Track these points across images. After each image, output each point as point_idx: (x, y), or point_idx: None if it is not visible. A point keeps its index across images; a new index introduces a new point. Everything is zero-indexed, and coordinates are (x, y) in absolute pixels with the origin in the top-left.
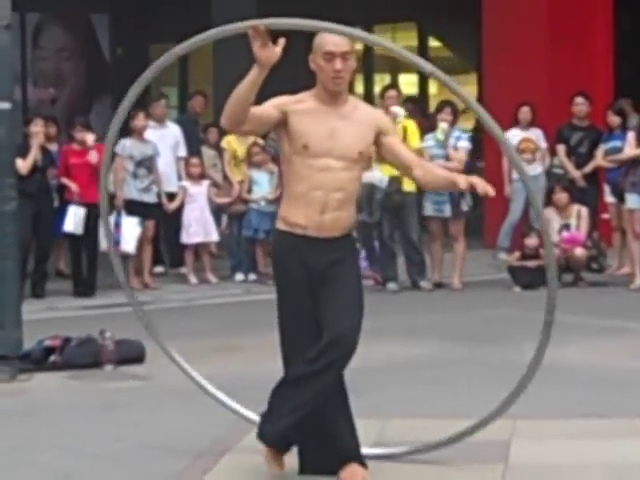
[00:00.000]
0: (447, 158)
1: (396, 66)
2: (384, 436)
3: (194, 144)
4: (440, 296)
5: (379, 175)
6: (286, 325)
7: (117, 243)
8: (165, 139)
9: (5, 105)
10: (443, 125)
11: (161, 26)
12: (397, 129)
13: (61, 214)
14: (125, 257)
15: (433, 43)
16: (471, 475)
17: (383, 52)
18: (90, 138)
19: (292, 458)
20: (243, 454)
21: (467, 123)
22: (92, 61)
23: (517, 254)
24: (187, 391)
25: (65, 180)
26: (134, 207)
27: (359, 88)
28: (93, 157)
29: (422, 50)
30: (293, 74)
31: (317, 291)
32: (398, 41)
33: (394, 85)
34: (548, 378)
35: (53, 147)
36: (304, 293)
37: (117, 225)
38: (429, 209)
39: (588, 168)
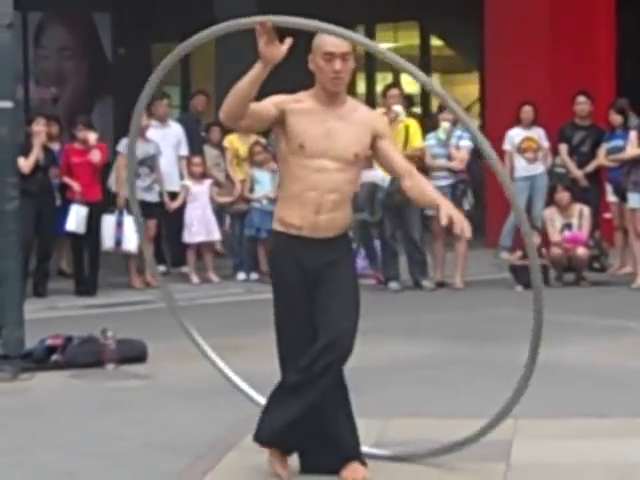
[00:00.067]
0: (449, 157)
1: None
2: (385, 436)
3: (196, 143)
4: (442, 295)
5: (381, 174)
6: (282, 325)
7: (119, 242)
8: (167, 138)
9: (7, 104)
10: (445, 124)
11: (163, 25)
12: (398, 128)
13: (63, 213)
14: (127, 256)
15: (435, 42)
16: (472, 474)
17: None
18: (92, 137)
19: (293, 457)
20: (245, 453)
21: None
22: (94, 60)
23: (519, 253)
24: (188, 390)
25: (67, 179)
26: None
27: (361, 87)
28: (95, 156)
29: (424, 49)
30: (292, 73)
31: (313, 292)
32: (400, 40)
33: (396, 84)
34: (549, 378)
35: (55, 146)
36: (300, 294)
37: (119, 224)
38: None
39: (590, 167)
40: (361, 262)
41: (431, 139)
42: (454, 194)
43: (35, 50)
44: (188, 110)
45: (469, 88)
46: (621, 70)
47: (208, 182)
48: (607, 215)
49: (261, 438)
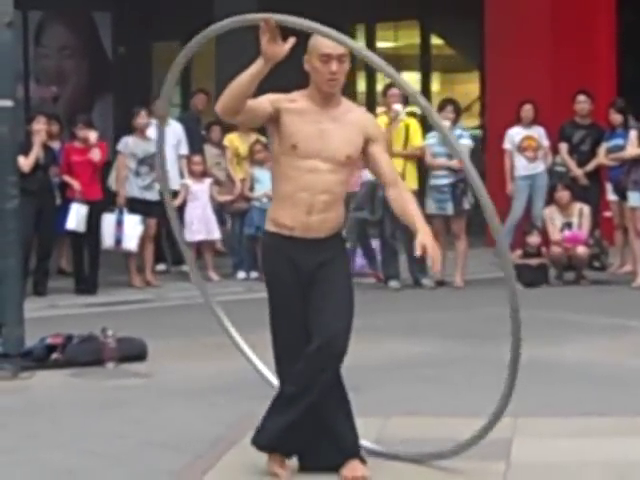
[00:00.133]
0: (449, 156)
1: (399, 64)
2: (385, 434)
3: (196, 142)
4: (442, 294)
5: None
6: (277, 325)
7: (119, 241)
8: (167, 137)
9: (7, 103)
10: (445, 123)
11: (163, 24)
12: (398, 127)
13: (63, 212)
14: (127, 255)
15: (435, 41)
16: (473, 473)
17: (386, 50)
18: (93, 136)
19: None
20: (245, 451)
21: (469, 122)
22: (94, 59)
23: (519, 252)
24: (188, 389)
25: (67, 178)
26: (136, 205)
27: (362, 86)
28: (95, 155)
29: (424, 48)
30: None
31: (307, 292)
32: (401, 39)
33: None
34: (549, 376)
35: (55, 145)
36: (294, 294)
37: (119, 223)
38: (431, 207)
39: (590, 166)
40: (360, 260)
41: (431, 138)
42: (454, 193)
43: (35, 49)
44: (188, 109)
45: (469, 87)
46: (621, 69)
47: (208, 181)
48: (607, 214)
49: (260, 443)
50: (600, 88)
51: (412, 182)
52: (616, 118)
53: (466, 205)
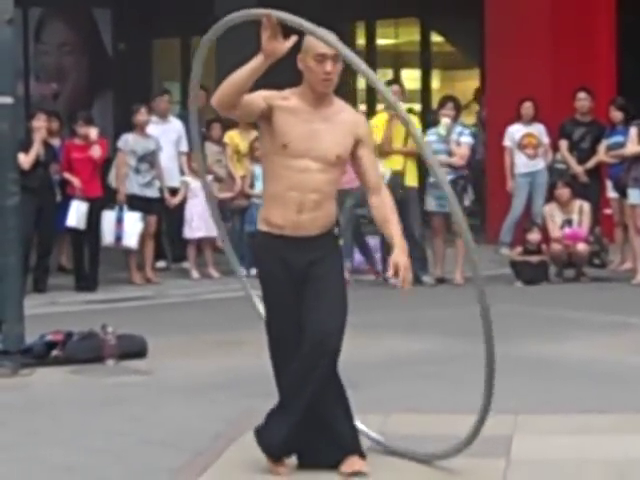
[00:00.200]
0: (449, 153)
1: (399, 61)
2: (385, 431)
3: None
4: (442, 291)
5: (381, 170)
6: (272, 324)
7: (119, 238)
8: (167, 134)
9: (7, 100)
10: (445, 120)
11: (163, 21)
12: (398, 124)
13: (63, 209)
14: (127, 252)
15: (436, 39)
16: (473, 470)
17: (386, 47)
18: (93, 133)
19: None
20: (245, 448)
21: (469, 118)
22: (94, 56)
23: (519, 249)
24: (189, 386)
25: (67, 175)
26: (136, 202)
27: (362, 83)
28: (96, 152)
29: (425, 46)
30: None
31: (301, 290)
32: (401, 37)
33: (397, 80)
34: (549, 373)
35: (55, 142)
36: (287, 292)
37: (119, 220)
38: (431, 204)
39: (590, 163)
40: (358, 257)
41: (431, 135)
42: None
43: (35, 46)
44: (188, 106)
45: (469, 85)
46: (621, 67)
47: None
48: (607, 211)
49: (274, 454)
50: (600, 85)
51: (412, 179)
52: (616, 115)
53: (466, 202)
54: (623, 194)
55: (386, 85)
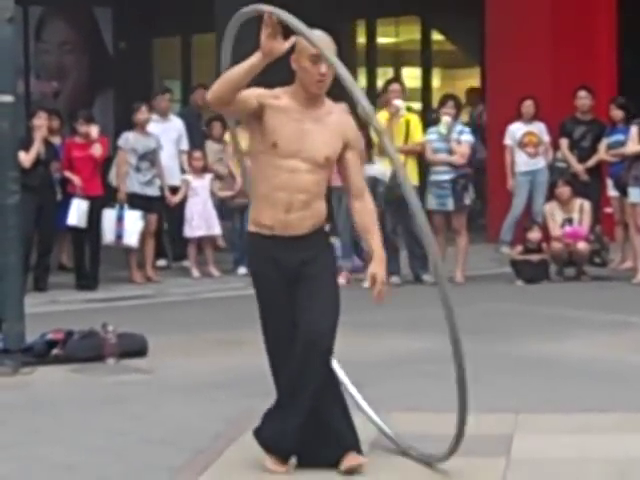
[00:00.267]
0: (450, 152)
1: (399, 59)
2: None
3: (197, 137)
4: None
5: (382, 168)
6: (267, 324)
7: (120, 237)
8: (168, 132)
9: (8, 98)
10: (446, 119)
11: (164, 20)
12: (399, 123)
13: (64, 207)
14: (128, 250)
15: (436, 37)
16: (473, 469)
17: (387, 45)
18: (94, 131)
19: None
20: (245, 447)
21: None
22: (95, 54)
23: (520, 248)
24: (189, 385)
25: (68, 173)
26: (137, 201)
27: (362, 82)
28: (96, 150)
29: (425, 44)
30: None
31: (294, 290)
32: (401, 35)
33: (397, 79)
34: (550, 372)
35: (56, 140)
36: (280, 291)
37: (120, 219)
38: (432, 203)
39: (591, 162)
40: (357, 261)
41: (432, 133)
42: (454, 189)
43: (36, 44)
44: (189, 104)
45: (470, 83)
46: (622, 66)
47: (209, 177)
48: (608, 210)
49: (283, 454)
50: (600, 84)
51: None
52: (617, 114)
53: (467, 201)
54: (624, 193)
55: (386, 82)
